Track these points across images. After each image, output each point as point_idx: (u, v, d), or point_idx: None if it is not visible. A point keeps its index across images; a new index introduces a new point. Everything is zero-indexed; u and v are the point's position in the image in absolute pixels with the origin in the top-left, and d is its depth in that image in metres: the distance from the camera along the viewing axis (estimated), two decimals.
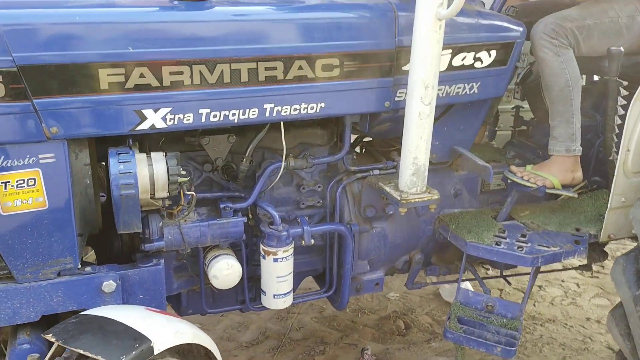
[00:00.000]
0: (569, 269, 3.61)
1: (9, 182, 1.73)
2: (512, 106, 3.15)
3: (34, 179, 1.76)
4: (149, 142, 2.04)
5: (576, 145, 2.50)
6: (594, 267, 3.99)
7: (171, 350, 1.80)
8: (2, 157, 1.70)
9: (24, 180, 1.75)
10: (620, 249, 3.72)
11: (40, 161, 1.75)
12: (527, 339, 3.24)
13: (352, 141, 2.72)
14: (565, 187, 2.53)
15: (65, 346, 1.45)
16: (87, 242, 2.16)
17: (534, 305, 3.61)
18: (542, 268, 3.59)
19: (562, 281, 3.90)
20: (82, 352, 1.42)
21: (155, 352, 1.50)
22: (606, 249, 2.80)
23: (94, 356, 1.41)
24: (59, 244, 1.84)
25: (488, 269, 3.38)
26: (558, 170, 2.51)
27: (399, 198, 2.10)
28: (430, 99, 1.99)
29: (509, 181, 2.53)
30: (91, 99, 1.73)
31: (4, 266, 1.83)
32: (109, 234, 2.20)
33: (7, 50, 1.60)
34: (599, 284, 3.87)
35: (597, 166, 2.81)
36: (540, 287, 3.79)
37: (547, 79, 2.48)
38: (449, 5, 1.87)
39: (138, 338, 1.50)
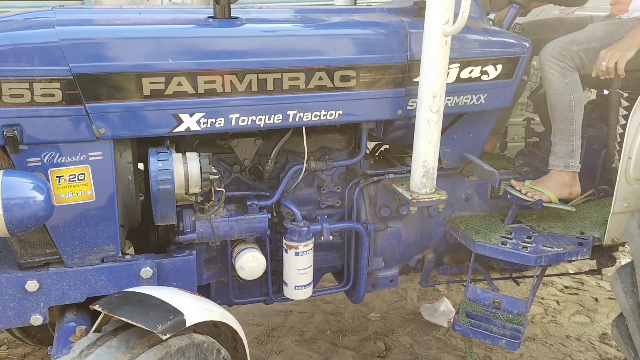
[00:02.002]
0: (577, 273, 3.69)
1: (62, 176, 1.97)
2: (523, 119, 3.31)
3: (84, 174, 2.00)
4: (184, 144, 2.27)
5: (574, 162, 2.66)
6: (572, 284, 4.07)
7: (202, 329, 2.02)
8: (57, 154, 1.94)
9: (75, 175, 1.99)
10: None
11: (90, 158, 1.99)
12: (507, 358, 3.28)
13: (370, 148, 2.93)
14: (562, 201, 2.67)
15: (110, 314, 1.67)
16: (126, 236, 2.40)
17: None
18: (551, 271, 3.73)
19: (542, 299, 3.93)
20: (124, 319, 1.63)
21: (187, 324, 1.70)
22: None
23: (134, 323, 1.62)
24: (103, 233, 2.07)
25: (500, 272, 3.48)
26: (555, 185, 2.67)
27: (409, 197, 2.29)
28: (437, 108, 2.18)
29: (509, 195, 2.69)
30: (135, 104, 1.97)
31: (55, 252, 2.06)
32: (146, 229, 2.43)
33: (65, 61, 1.85)
34: (579, 301, 3.90)
35: (604, 175, 2.95)
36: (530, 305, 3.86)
37: (552, 99, 2.64)
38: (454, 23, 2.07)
39: (172, 311, 1.70)
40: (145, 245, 2.46)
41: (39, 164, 1.93)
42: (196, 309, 1.80)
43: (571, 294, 4.02)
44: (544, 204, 2.63)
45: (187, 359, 1.68)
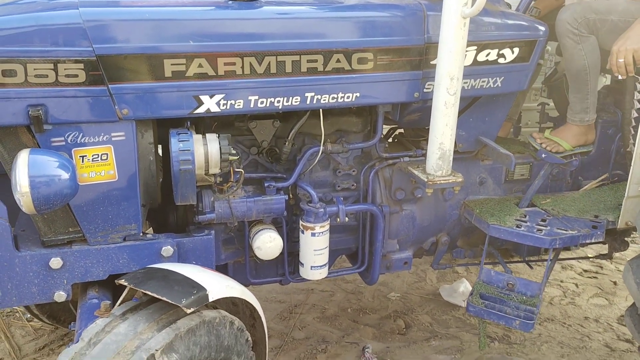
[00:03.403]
0: (590, 257, 3.72)
1: (85, 156, 2.01)
2: (538, 103, 3.32)
3: (107, 154, 2.04)
4: (203, 125, 2.31)
5: (589, 117, 2.82)
6: (592, 267, 4.10)
7: (221, 307, 2.06)
8: (81, 134, 1.98)
9: (98, 155, 2.03)
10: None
11: (113, 139, 2.02)
12: (526, 337, 3.33)
13: (385, 132, 2.96)
14: (578, 147, 2.88)
15: (136, 288, 1.71)
16: (146, 217, 2.44)
17: None
18: (564, 255, 3.76)
19: (561, 282, 3.99)
20: (150, 293, 1.67)
21: (210, 299, 1.74)
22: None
23: (160, 297, 1.66)
24: (125, 212, 2.11)
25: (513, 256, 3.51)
26: (571, 136, 2.87)
27: (425, 180, 2.31)
28: (455, 90, 2.20)
29: (531, 147, 2.88)
30: (157, 85, 2.00)
31: (78, 230, 2.10)
32: (164, 210, 2.47)
33: (89, 42, 1.88)
34: (598, 284, 3.95)
35: (619, 159, 2.97)
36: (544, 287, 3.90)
37: (567, 63, 2.76)
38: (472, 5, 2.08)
39: (196, 286, 1.75)
40: (164, 226, 2.50)
41: (63, 143, 1.97)
42: (218, 285, 1.84)
43: (590, 277, 4.06)
44: (560, 156, 2.79)
45: (199, 337, 1.71)
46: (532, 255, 3.07)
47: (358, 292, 3.81)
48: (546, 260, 2.85)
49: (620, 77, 2.52)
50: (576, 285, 3.94)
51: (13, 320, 3.41)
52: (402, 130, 2.92)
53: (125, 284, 1.74)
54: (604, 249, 4.12)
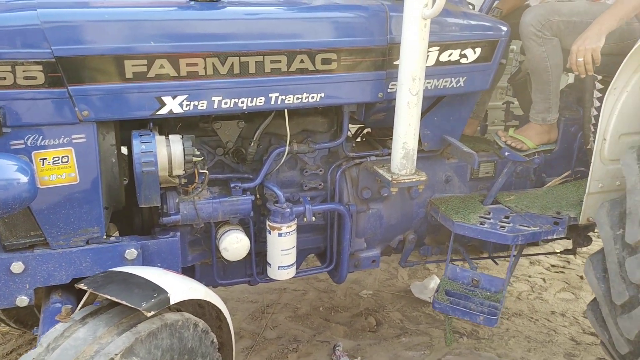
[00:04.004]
0: (553, 253, 3.79)
1: (46, 158, 1.98)
2: (503, 102, 3.37)
3: (67, 157, 2.01)
4: (168, 126, 2.29)
5: (551, 116, 2.87)
6: (559, 262, 4.19)
7: (187, 309, 2.05)
8: (41, 136, 1.95)
9: (58, 157, 2.00)
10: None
11: (73, 141, 2.00)
12: (494, 332, 3.38)
13: (354, 132, 2.98)
14: (541, 145, 2.94)
15: (95, 292, 1.70)
16: (111, 220, 2.42)
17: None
18: (529, 251, 3.84)
19: (529, 277, 4.06)
20: (109, 297, 1.66)
21: (172, 302, 1.74)
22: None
23: (119, 301, 1.65)
24: (87, 215, 2.09)
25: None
26: (534, 134, 2.91)
27: (390, 179, 2.34)
28: (417, 90, 2.22)
29: (495, 145, 2.93)
30: (117, 87, 1.98)
31: (40, 234, 2.08)
32: (130, 212, 2.45)
33: (47, 43, 1.85)
34: (565, 279, 4.03)
35: (581, 156, 3.03)
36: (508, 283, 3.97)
37: (530, 64, 2.81)
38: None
39: (156, 289, 1.74)
40: (130, 228, 2.49)
41: (23, 146, 1.94)
42: (180, 287, 1.83)
43: (557, 272, 4.14)
44: (523, 155, 2.84)
45: (161, 341, 1.70)
46: (500, 251, 3.12)
47: (330, 290, 3.82)
48: (508, 256, 2.91)
49: (582, 76, 2.57)
50: (544, 280, 4.02)
51: None
52: (369, 130, 2.94)
53: (85, 288, 1.72)
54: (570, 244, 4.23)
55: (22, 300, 2.06)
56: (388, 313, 3.59)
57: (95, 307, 1.77)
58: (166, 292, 1.75)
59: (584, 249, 3.53)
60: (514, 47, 3.36)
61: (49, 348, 1.59)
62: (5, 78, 1.84)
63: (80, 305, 1.80)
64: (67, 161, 2.02)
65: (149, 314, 1.66)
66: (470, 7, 2.89)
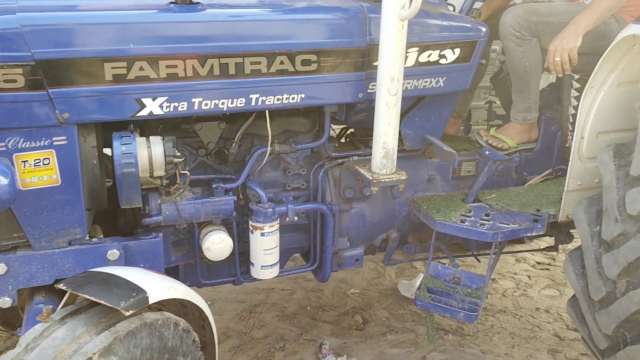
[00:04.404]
0: (536, 250, 3.83)
1: (27, 161, 2.00)
2: (485, 102, 3.41)
3: (49, 159, 2.03)
4: (149, 128, 2.31)
5: (532, 116, 2.92)
6: (545, 260, 4.23)
7: (170, 309, 2.07)
8: (22, 139, 1.97)
9: (40, 159, 2.02)
10: None
11: (54, 143, 2.02)
12: (479, 329, 3.41)
13: (338, 132, 3.00)
14: (522, 144, 3.00)
15: (75, 292, 1.72)
16: (95, 221, 2.44)
17: (487, 297, 3.78)
18: (513, 248, 3.87)
19: (515, 274, 4.09)
20: (88, 297, 1.68)
21: (150, 301, 1.76)
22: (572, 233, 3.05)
23: (98, 300, 1.67)
24: (69, 217, 2.11)
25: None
26: (515, 133, 2.97)
27: (370, 178, 2.36)
28: (396, 90, 2.25)
29: (477, 145, 2.97)
30: (97, 89, 2.00)
31: (23, 235, 2.09)
32: (114, 213, 2.47)
33: (27, 46, 1.87)
34: (550, 276, 4.06)
35: (561, 154, 3.07)
36: (493, 280, 3.98)
37: (509, 64, 2.85)
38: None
39: (135, 289, 1.76)
40: (114, 230, 2.50)
41: (4, 148, 1.95)
42: (160, 287, 1.86)
43: (542, 269, 4.17)
44: (504, 153, 2.90)
45: (140, 340, 1.72)
46: (484, 249, 3.16)
47: (318, 289, 3.85)
48: (489, 253, 2.94)
49: (559, 75, 2.60)
50: (529, 277, 4.05)
51: None
52: (353, 130, 2.97)
53: (64, 288, 1.74)
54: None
55: (5, 302, 2.08)
56: (375, 311, 3.61)
57: (75, 307, 1.79)
58: (145, 292, 1.77)
59: (570, 246, 3.58)
60: (497, 47, 3.40)
61: (28, 348, 1.61)
62: None
63: (60, 306, 1.82)
64: (49, 163, 2.04)
65: (127, 314, 1.68)
66: (451, 8, 2.93)
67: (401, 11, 2.13)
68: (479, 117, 3.59)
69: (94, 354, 1.58)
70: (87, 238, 2.20)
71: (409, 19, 2.13)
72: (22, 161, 1.99)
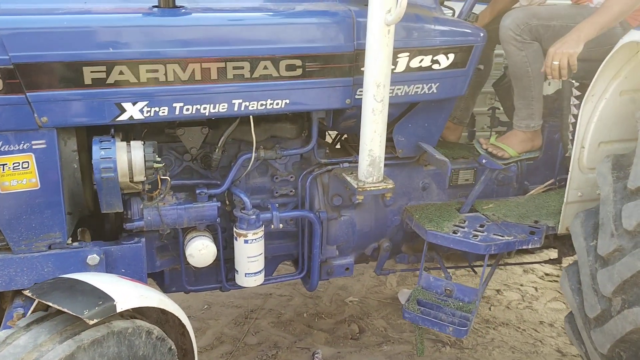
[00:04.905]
0: (539, 262, 3.70)
1: (6, 164, 1.99)
2: (488, 108, 3.31)
3: (28, 162, 2.02)
4: (134, 132, 2.29)
5: (535, 123, 2.80)
6: (553, 271, 4.11)
7: (150, 319, 2.04)
8: (1, 142, 1.96)
9: (19, 163, 2.01)
10: None
11: (33, 147, 2.01)
12: (478, 342, 3.32)
13: (334, 138, 2.95)
14: (524, 153, 2.87)
15: (38, 299, 1.70)
16: (84, 225, 2.43)
17: (490, 309, 3.69)
18: (520, 259, 3.76)
19: (521, 285, 3.98)
20: (51, 304, 1.66)
21: (118, 309, 1.72)
22: None
23: (61, 308, 1.65)
24: (49, 220, 2.09)
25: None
26: (517, 142, 2.84)
27: (356, 186, 2.30)
28: (382, 97, 2.19)
29: (476, 152, 2.87)
30: (76, 93, 1.98)
31: (2, 239, 2.09)
32: (102, 217, 2.45)
33: (4, 50, 1.86)
34: (557, 288, 3.94)
35: (564, 164, 2.95)
36: (498, 291, 3.88)
37: (511, 69, 2.75)
38: None
39: (102, 297, 1.73)
40: (101, 234, 2.49)
41: None
42: (129, 295, 1.82)
43: (551, 281, 4.06)
44: (503, 164, 2.78)
45: (106, 349, 1.69)
46: (481, 260, 3.06)
47: (316, 296, 3.80)
48: (502, 266, 2.85)
49: (553, 80, 2.50)
50: (535, 289, 3.94)
51: None
52: (346, 136, 2.91)
53: (30, 294, 1.72)
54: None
55: None
56: (372, 320, 3.55)
57: (42, 314, 1.77)
58: (112, 300, 1.74)
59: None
60: (501, 51, 3.30)
61: (6, 342, 1.59)
62: None
63: (30, 312, 1.81)
64: (28, 167, 2.03)
65: (91, 322, 1.66)
66: (450, 12, 2.85)
67: (387, 15, 2.07)
68: (484, 124, 3.49)
69: None
70: (69, 242, 2.19)
71: (394, 23, 2.07)
72: (0, 164, 1.99)
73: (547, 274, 4.14)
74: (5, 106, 1.93)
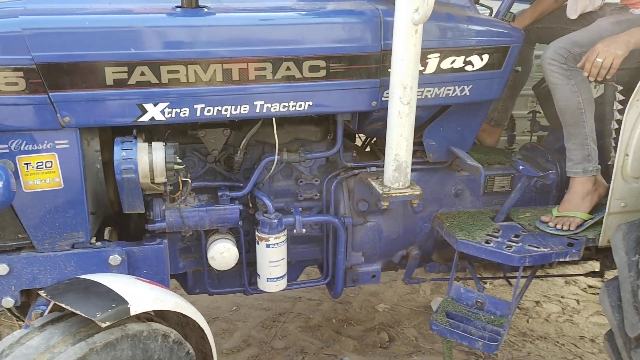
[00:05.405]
0: (580, 274, 3.52)
1: (30, 163, 2.02)
2: (529, 111, 3.16)
3: (51, 162, 2.04)
4: (157, 133, 2.28)
5: (593, 166, 2.53)
6: (597, 283, 3.89)
7: (171, 322, 2.02)
8: (24, 141, 1.99)
9: (42, 162, 2.03)
10: None
11: (57, 146, 2.02)
12: (514, 356, 3.17)
13: (363, 141, 2.87)
14: (595, 208, 2.56)
15: (53, 300, 1.69)
16: (112, 225, 2.43)
17: (528, 321, 3.52)
18: (552, 272, 3.58)
19: (562, 297, 3.78)
20: (64, 305, 1.65)
21: (132, 312, 1.70)
22: None
23: (73, 310, 1.64)
24: (72, 220, 2.11)
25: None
26: (580, 200, 2.53)
27: (381, 192, 2.22)
28: (409, 99, 2.10)
29: (513, 159, 2.71)
30: (98, 93, 1.98)
31: (26, 237, 2.11)
32: (128, 217, 2.46)
33: (27, 50, 1.87)
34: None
35: (607, 172, 2.78)
36: (537, 302, 3.69)
37: (560, 103, 2.49)
38: None
39: (117, 299, 1.71)
40: (127, 234, 2.49)
41: (7, 151, 1.98)
42: (145, 298, 1.80)
43: (594, 293, 3.85)
44: (576, 234, 2.50)
45: (120, 352, 1.67)
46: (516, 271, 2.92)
47: (346, 302, 3.72)
48: (539, 277, 2.70)
49: (590, 79, 2.33)
50: (577, 301, 3.74)
51: (3, 319, 3.48)
52: (376, 139, 2.83)
53: (44, 295, 1.72)
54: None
55: (8, 302, 2.10)
56: (403, 329, 3.44)
57: (58, 314, 1.77)
58: (126, 303, 1.72)
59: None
60: (541, 52, 3.14)
61: (2, 355, 1.59)
62: None
63: (46, 312, 1.81)
64: (51, 166, 2.05)
65: (104, 325, 1.64)
66: (487, 11, 2.73)
67: (414, 15, 1.98)
68: (524, 128, 3.33)
69: None
70: (93, 242, 2.20)
71: (421, 22, 1.98)
72: (24, 163, 2.01)
73: (590, 286, 3.93)
74: (28, 106, 1.94)
